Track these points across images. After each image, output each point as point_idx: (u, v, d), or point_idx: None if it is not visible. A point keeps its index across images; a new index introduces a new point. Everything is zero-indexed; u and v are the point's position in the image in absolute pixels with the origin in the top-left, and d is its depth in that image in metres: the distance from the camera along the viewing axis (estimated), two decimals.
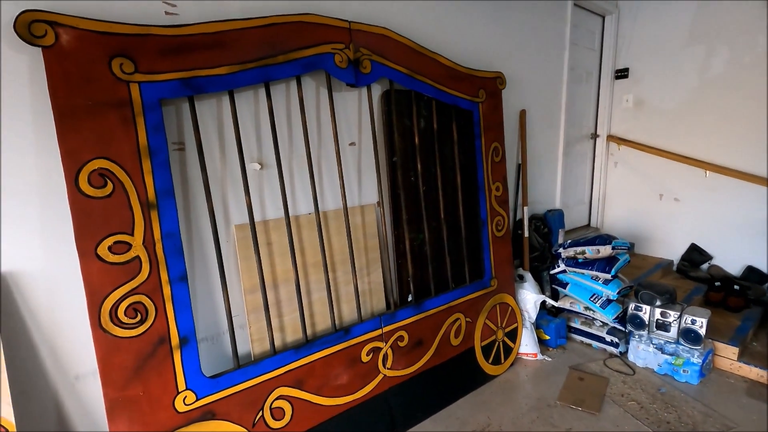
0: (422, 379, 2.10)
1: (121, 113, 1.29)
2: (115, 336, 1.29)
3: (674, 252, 3.65)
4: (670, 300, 2.49)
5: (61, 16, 1.18)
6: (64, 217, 1.27)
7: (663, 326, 2.44)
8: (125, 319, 1.30)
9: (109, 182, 1.27)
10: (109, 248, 1.28)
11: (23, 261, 1.27)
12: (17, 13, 1.12)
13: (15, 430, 1.17)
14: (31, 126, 1.25)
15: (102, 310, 1.26)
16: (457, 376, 2.26)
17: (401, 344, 2.01)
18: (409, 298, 2.12)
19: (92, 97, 1.24)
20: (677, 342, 2.40)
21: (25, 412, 1.29)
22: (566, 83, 3.29)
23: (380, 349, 1.93)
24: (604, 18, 3.68)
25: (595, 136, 3.90)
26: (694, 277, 3.37)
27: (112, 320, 1.28)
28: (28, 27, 1.14)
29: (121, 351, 1.30)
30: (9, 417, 1.17)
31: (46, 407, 1.35)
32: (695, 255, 3.47)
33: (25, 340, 1.30)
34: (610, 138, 3.85)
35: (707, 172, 3.31)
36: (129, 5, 1.37)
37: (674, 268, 3.64)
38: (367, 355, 1.89)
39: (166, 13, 1.45)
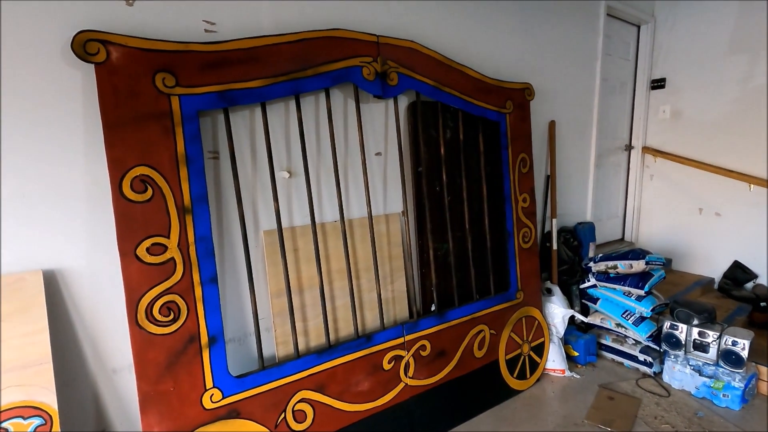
0: (444, 390, 2.08)
1: (162, 124, 1.38)
2: (150, 333, 1.36)
3: (715, 269, 3.47)
4: (708, 319, 2.37)
5: (112, 35, 1.29)
6: (108, 220, 1.36)
7: (701, 347, 2.32)
8: (159, 317, 1.38)
9: (149, 188, 1.36)
10: (147, 249, 1.36)
11: (71, 260, 1.38)
12: (74, 33, 1.24)
13: (57, 416, 1.26)
14: (82, 136, 1.36)
15: (139, 307, 1.34)
16: (480, 389, 2.22)
17: (423, 354, 2.01)
18: (432, 308, 2.11)
19: (137, 109, 1.34)
20: (717, 364, 2.27)
21: (67, 401, 1.38)
22: (598, 94, 3.23)
23: (402, 357, 1.94)
24: (639, 27, 3.60)
25: (629, 147, 3.79)
26: (738, 296, 3.19)
27: (147, 318, 1.36)
28: (84, 45, 1.25)
29: (154, 347, 1.37)
30: (53, 404, 1.26)
31: (85, 397, 1.44)
32: (739, 273, 3.28)
33: (70, 334, 1.39)
34: (646, 150, 3.73)
35: (751, 185, 3.15)
36: (172, 23, 1.48)
37: (715, 286, 3.46)
38: (389, 363, 1.90)
39: (206, 30, 1.54)
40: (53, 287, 1.35)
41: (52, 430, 1.24)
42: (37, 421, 1.23)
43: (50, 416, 1.25)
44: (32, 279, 1.28)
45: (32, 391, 1.25)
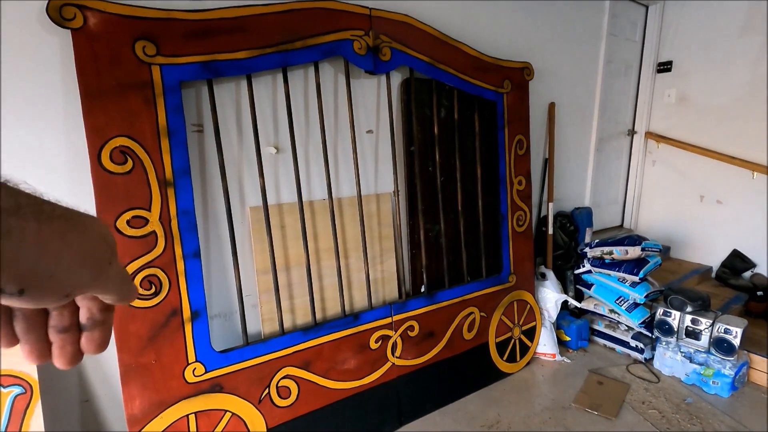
0: (432, 370, 2.08)
1: (142, 94, 1.35)
2: (131, 306, 1.36)
3: (714, 258, 3.43)
4: (702, 306, 2.35)
5: (89, 0, 1.24)
6: (89, 192, 1.34)
7: (693, 334, 2.31)
8: (141, 291, 1.37)
9: (129, 159, 1.34)
10: (128, 222, 1.34)
11: None
12: None
13: (38, 386, 1.26)
14: (61, 104, 1.33)
15: None
16: (468, 371, 2.23)
17: (411, 334, 2.00)
18: (422, 289, 2.10)
19: (116, 78, 1.31)
20: (708, 351, 2.26)
21: (48, 371, 1.38)
22: (602, 76, 3.15)
23: (389, 337, 1.93)
24: (647, 7, 3.48)
25: (632, 132, 3.72)
26: (735, 285, 3.16)
27: None
28: (59, 10, 1.21)
29: (136, 320, 1.37)
30: (32, 374, 1.26)
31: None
32: (737, 262, 3.25)
33: None
34: (649, 135, 3.66)
35: (755, 173, 3.08)
36: None
37: (713, 275, 3.43)
38: (376, 342, 1.90)
39: None
40: None
41: (32, 399, 1.25)
42: (16, 390, 1.24)
43: (30, 385, 1.26)
44: None
45: (13, 361, 1.25)
